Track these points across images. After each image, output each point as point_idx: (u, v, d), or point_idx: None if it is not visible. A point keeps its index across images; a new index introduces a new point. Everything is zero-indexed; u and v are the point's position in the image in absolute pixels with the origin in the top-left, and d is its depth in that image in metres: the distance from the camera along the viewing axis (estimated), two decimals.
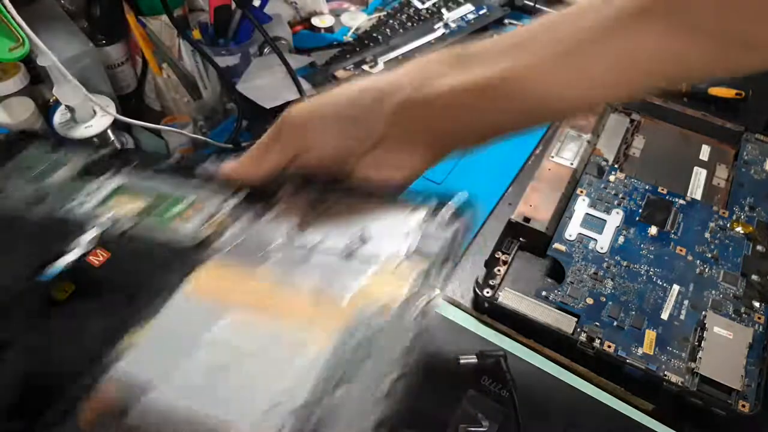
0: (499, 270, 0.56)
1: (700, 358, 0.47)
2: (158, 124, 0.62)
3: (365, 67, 0.71)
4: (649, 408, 0.48)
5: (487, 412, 0.44)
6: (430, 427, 0.42)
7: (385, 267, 0.33)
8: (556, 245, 0.56)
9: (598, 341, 0.49)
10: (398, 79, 0.35)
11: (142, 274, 0.36)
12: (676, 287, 0.53)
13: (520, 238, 0.59)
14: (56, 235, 0.38)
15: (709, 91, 0.73)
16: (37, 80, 0.65)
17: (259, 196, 0.39)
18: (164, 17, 0.65)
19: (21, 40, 0.50)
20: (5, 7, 0.48)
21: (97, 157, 0.44)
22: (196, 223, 0.38)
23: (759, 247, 0.57)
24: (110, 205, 0.40)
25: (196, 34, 0.69)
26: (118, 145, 0.56)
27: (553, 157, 0.64)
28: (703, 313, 0.51)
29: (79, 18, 0.65)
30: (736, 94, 0.73)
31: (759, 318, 0.51)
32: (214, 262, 0.35)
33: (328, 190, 0.38)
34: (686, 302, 0.52)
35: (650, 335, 0.50)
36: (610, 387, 0.49)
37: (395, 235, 0.35)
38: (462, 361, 0.45)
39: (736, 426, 0.46)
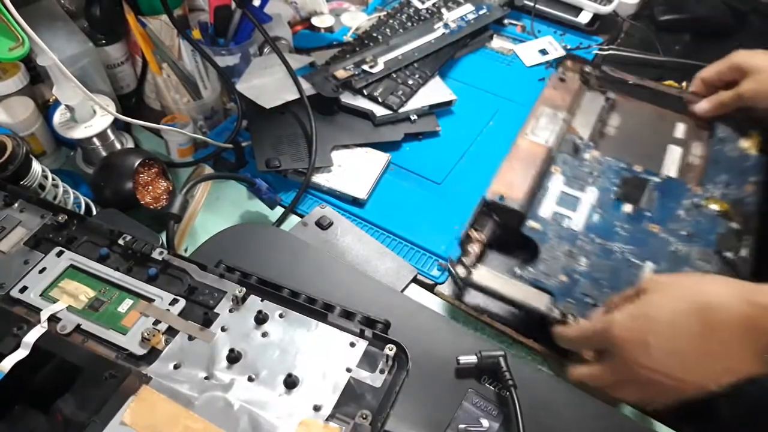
0: (473, 248, 0.56)
1: None
2: (158, 123, 0.62)
3: (365, 67, 0.71)
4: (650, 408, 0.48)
5: (487, 412, 0.44)
6: (430, 427, 0.42)
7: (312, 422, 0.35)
8: (531, 223, 0.56)
9: (572, 318, 0.49)
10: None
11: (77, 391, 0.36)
12: (650, 264, 0.53)
13: (495, 217, 0.58)
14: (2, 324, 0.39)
15: None
16: (37, 80, 0.65)
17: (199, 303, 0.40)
18: (164, 17, 0.65)
19: (21, 39, 0.50)
20: (5, 6, 0.48)
21: (49, 223, 0.45)
22: (137, 332, 0.38)
23: (733, 224, 0.56)
24: (58, 287, 0.41)
25: (196, 34, 0.69)
26: (78, 209, 0.56)
27: (527, 134, 0.63)
28: None
29: (79, 18, 0.66)
30: None
31: None
32: (147, 392, 0.36)
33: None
34: None
35: None
36: None
37: (326, 379, 0.37)
38: (462, 361, 0.45)
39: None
